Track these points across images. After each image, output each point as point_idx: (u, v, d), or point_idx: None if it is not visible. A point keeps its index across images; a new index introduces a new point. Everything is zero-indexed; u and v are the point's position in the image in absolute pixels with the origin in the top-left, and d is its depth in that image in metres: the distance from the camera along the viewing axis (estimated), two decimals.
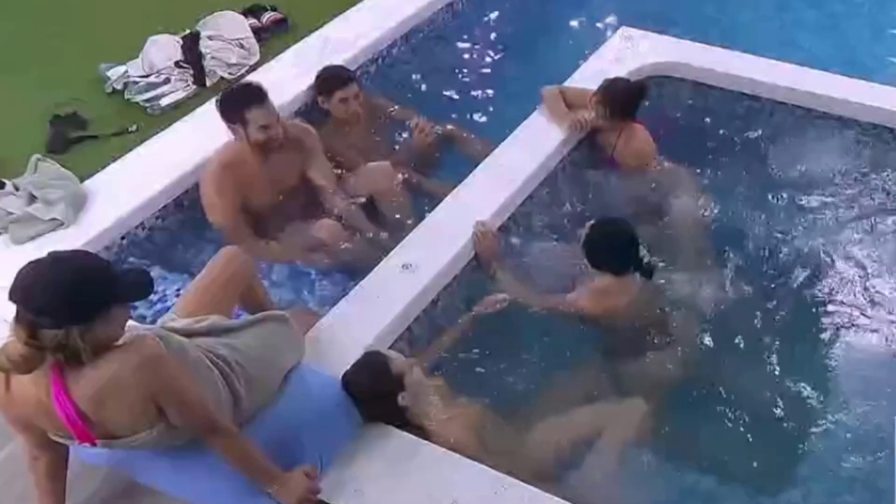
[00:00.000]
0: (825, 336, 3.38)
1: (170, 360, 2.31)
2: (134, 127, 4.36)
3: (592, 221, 3.32)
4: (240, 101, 3.53)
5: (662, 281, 3.45)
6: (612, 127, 3.91)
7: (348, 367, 2.83)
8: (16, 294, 2.10)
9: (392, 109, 4.36)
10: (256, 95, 3.51)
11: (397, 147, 4.27)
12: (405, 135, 4.29)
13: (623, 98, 3.87)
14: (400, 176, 3.91)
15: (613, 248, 3.27)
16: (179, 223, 3.81)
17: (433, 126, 4.24)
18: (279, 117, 3.58)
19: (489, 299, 3.35)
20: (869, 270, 3.61)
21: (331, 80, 4.12)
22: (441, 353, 3.22)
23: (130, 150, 3.97)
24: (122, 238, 3.63)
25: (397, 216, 3.80)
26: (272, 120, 3.52)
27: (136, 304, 3.34)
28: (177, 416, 2.32)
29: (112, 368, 2.18)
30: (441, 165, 4.25)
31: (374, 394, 2.77)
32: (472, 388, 3.10)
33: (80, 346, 2.12)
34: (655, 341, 3.29)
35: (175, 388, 2.29)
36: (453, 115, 4.49)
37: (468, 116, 4.53)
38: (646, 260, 3.26)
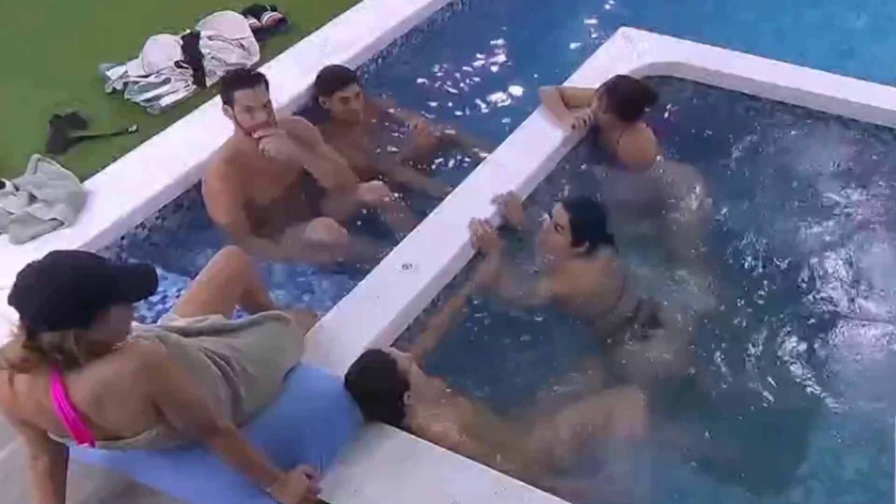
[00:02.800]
0: (825, 335, 3.38)
1: (169, 362, 2.30)
2: (134, 127, 4.36)
3: (566, 202, 3.42)
4: (231, 81, 3.59)
5: (646, 270, 3.49)
6: (613, 124, 3.91)
7: (348, 366, 2.83)
8: (13, 299, 2.11)
9: (393, 110, 4.36)
10: (246, 78, 3.55)
11: (397, 148, 4.27)
12: (406, 135, 4.29)
13: (625, 99, 3.87)
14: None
15: (599, 220, 3.38)
16: (179, 223, 3.82)
17: (432, 127, 4.24)
18: (268, 105, 3.54)
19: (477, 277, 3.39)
20: (869, 270, 3.61)
21: (331, 79, 4.12)
22: (434, 341, 3.21)
23: (130, 150, 3.97)
24: (122, 238, 3.63)
25: (397, 224, 3.79)
26: (258, 104, 3.49)
27: (137, 304, 3.35)
28: (176, 417, 2.32)
29: (111, 371, 2.17)
30: (441, 166, 4.25)
31: (379, 393, 2.77)
32: (469, 387, 3.10)
33: (75, 349, 2.11)
34: (650, 339, 3.30)
35: (174, 389, 2.29)
36: (453, 116, 4.50)
37: (468, 116, 4.53)
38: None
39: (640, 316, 3.34)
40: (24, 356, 2.11)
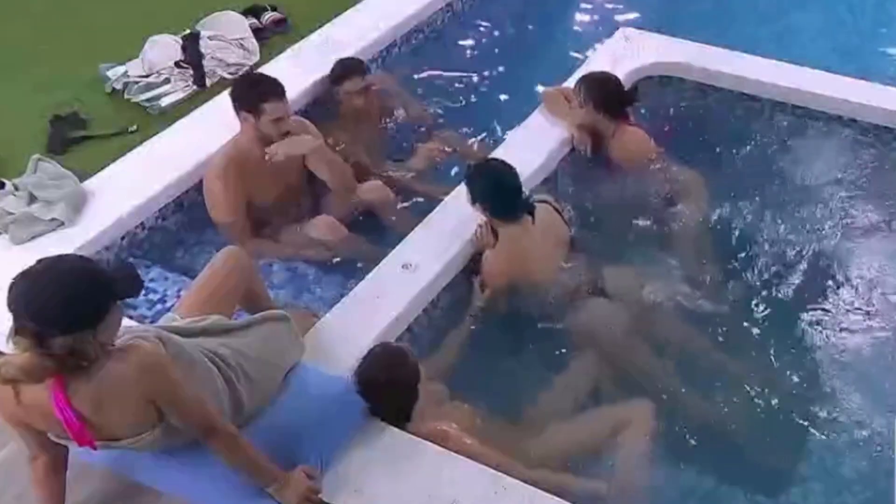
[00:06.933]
0: (825, 336, 3.38)
1: (169, 363, 2.31)
2: (134, 127, 4.36)
3: (474, 167, 3.47)
4: (259, 90, 3.52)
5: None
6: (604, 123, 3.90)
7: (349, 366, 2.83)
8: (21, 307, 2.08)
9: (409, 110, 4.36)
10: (275, 88, 3.51)
11: (401, 149, 4.26)
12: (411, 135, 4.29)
13: (601, 90, 3.88)
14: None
15: (505, 188, 3.37)
16: (179, 223, 3.82)
17: (443, 148, 4.24)
18: (290, 112, 3.58)
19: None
20: (868, 270, 3.61)
21: (340, 69, 4.16)
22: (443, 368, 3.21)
23: (130, 150, 3.97)
24: (122, 238, 3.63)
25: (397, 224, 3.78)
26: (286, 115, 3.53)
27: (137, 304, 3.36)
28: (176, 417, 2.32)
29: (112, 373, 2.18)
30: (441, 167, 4.24)
31: (394, 383, 2.76)
32: (468, 392, 3.10)
33: (91, 348, 2.12)
34: (644, 339, 3.30)
35: (175, 390, 2.29)
36: (453, 116, 4.50)
37: (468, 116, 4.53)
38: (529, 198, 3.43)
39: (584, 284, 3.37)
40: (38, 363, 2.09)
